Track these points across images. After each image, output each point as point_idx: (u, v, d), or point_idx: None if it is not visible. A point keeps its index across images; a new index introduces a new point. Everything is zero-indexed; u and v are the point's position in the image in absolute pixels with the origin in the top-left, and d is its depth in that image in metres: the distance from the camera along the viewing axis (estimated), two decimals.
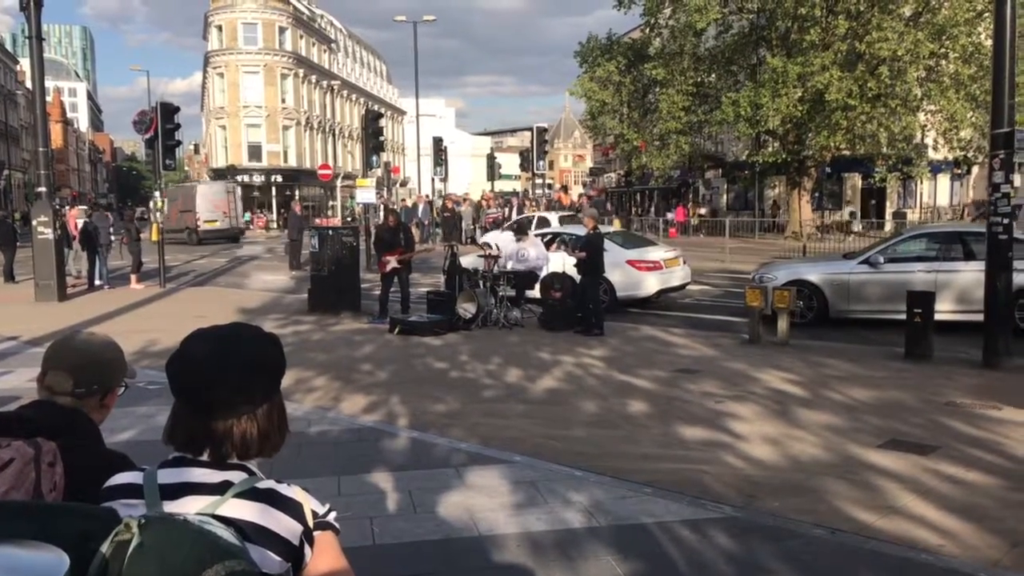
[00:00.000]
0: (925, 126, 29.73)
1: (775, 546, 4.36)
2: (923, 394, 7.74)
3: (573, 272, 12.54)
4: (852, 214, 36.41)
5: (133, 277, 18.21)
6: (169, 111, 17.93)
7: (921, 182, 37.36)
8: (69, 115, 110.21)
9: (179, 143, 18.98)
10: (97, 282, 18.18)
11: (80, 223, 19.33)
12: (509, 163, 56.14)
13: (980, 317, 9.20)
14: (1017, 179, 20.27)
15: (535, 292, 13.43)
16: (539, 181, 35.09)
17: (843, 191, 40.82)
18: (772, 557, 4.23)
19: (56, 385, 1.97)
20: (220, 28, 59.08)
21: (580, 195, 37.64)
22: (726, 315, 13.53)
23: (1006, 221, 8.84)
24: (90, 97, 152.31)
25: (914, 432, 6.51)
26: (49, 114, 20.71)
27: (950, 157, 32.26)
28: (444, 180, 37.44)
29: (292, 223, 23.64)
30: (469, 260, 14.50)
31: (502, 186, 49.60)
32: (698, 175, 48.13)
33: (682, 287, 15.00)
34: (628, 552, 4.29)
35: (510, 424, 7.02)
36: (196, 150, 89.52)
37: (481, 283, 12.74)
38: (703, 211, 44.31)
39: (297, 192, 55.23)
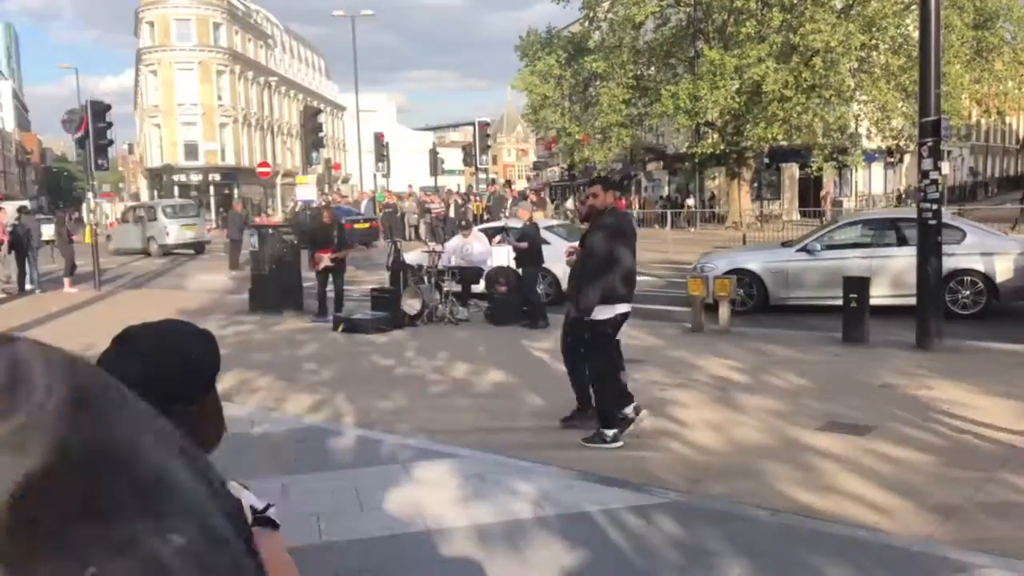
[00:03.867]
0: (858, 116, 30.50)
1: (719, 529, 4.44)
2: (859, 377, 7.95)
3: None
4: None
5: (67, 281, 17.70)
6: (100, 109, 17.44)
7: (856, 171, 38.35)
8: None
9: (111, 143, 18.47)
10: (28, 286, 17.64)
11: (8, 224, 18.70)
12: (452, 158, 56.08)
13: (913, 301, 9.47)
14: (946, 166, 20.91)
15: (480, 287, 13.43)
16: (483, 176, 35.09)
17: (781, 181, 41.65)
18: (716, 539, 4.31)
19: None
20: (152, 24, 57.73)
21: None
22: (669, 305, 13.69)
23: (935, 207, 9.11)
24: (16, 96, 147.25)
25: (851, 414, 6.68)
26: None
27: (883, 146, 33.16)
28: (387, 176, 37.18)
29: (232, 223, 23.23)
30: (413, 256, 14.43)
31: (445, 181, 49.42)
32: (640, 167, 48.63)
33: None
34: (575, 540, 4.32)
35: (457, 418, 7.01)
36: (130, 150, 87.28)
37: (426, 279, 12.68)
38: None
39: (236, 191, 54.28)
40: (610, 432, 5.93)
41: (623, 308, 6.05)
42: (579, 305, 5.92)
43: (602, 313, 5.91)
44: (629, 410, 6.26)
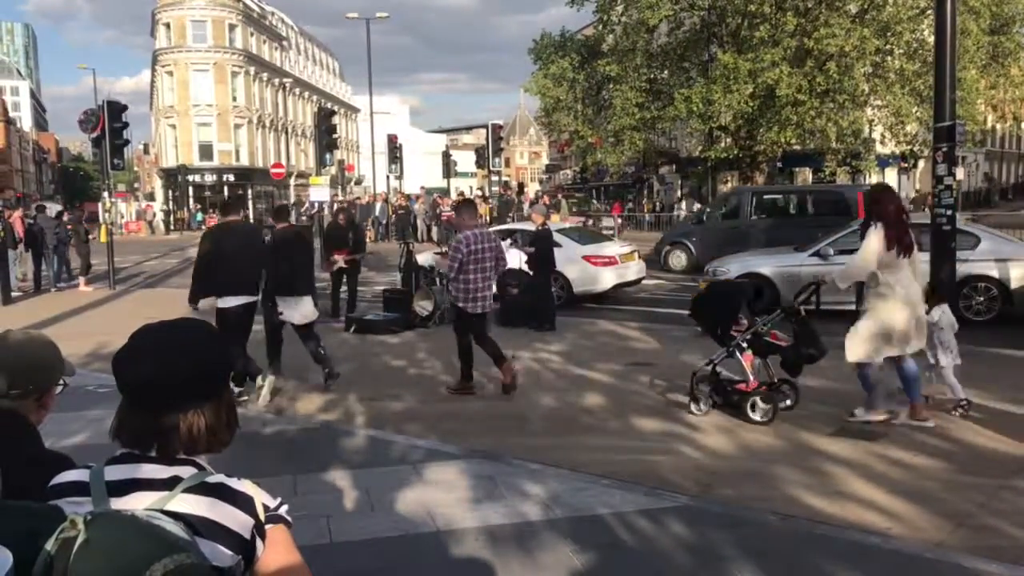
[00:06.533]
0: (872, 121, 30.34)
1: (729, 533, 4.43)
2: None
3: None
4: None
5: (81, 279, 17.83)
6: (116, 109, 17.58)
7: (869, 176, 38.14)
8: (11, 114, 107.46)
9: (127, 142, 18.63)
10: (49, 284, 17.80)
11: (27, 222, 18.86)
12: (465, 160, 56.12)
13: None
14: (960, 172, 20.78)
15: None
16: (495, 178, 35.12)
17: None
18: (727, 544, 4.31)
19: None
20: (168, 26, 58.06)
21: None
22: (680, 308, 13.65)
23: (949, 212, 9.07)
24: (33, 96, 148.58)
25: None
26: None
27: (897, 151, 32.94)
28: (400, 178, 37.26)
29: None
30: (425, 257, 14.46)
31: (458, 183, 49.49)
32: (652, 171, 48.53)
33: (637, 281, 15.12)
34: (585, 542, 4.33)
35: (468, 420, 7.03)
36: (145, 150, 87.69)
37: (437, 280, 12.71)
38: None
39: (250, 191, 54.52)
40: (238, 390, 7.52)
41: (239, 300, 7.53)
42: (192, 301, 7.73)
43: (223, 303, 7.48)
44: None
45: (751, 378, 6.72)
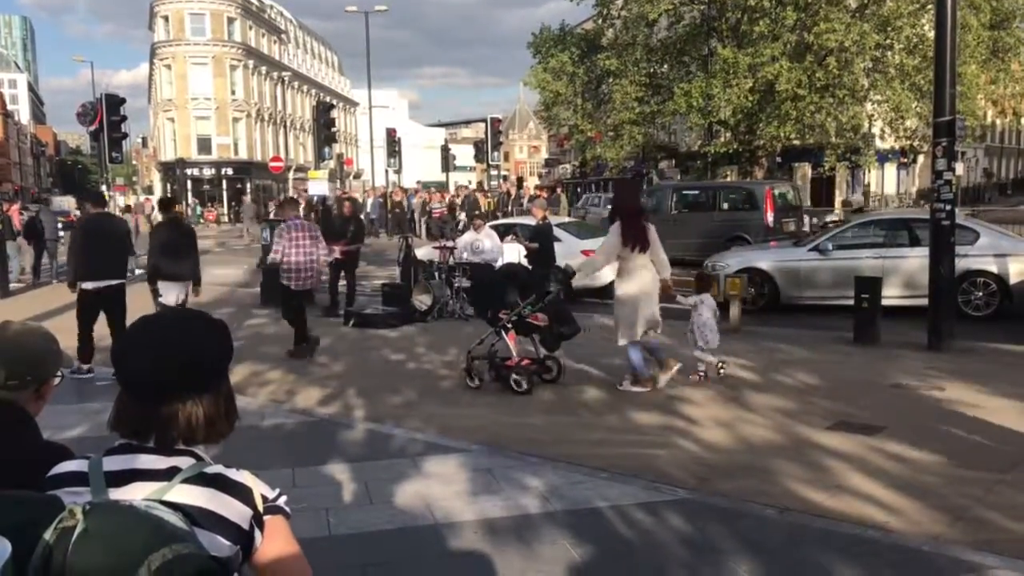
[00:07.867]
0: (872, 116, 30.29)
1: (728, 526, 4.44)
2: (870, 377, 7.92)
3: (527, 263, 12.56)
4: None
5: None
6: (114, 103, 17.55)
7: (869, 171, 38.10)
8: (9, 107, 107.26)
9: (125, 136, 18.62)
10: (50, 276, 17.78)
11: (25, 216, 18.82)
12: (464, 154, 56.06)
13: (925, 302, 9.42)
14: (960, 167, 20.76)
15: None
16: (494, 172, 35.06)
17: (793, 180, 41.45)
18: (725, 537, 4.31)
19: None
20: (166, 18, 57.98)
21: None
22: (679, 304, 13.64)
23: (949, 208, 9.06)
24: (31, 89, 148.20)
25: (862, 414, 6.66)
26: None
27: (896, 146, 32.92)
28: (398, 172, 37.20)
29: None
30: (424, 252, 14.45)
31: (457, 177, 49.44)
32: (652, 165, 48.47)
33: None
34: (583, 535, 4.33)
35: (467, 413, 7.03)
36: (144, 143, 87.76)
37: (436, 275, 12.70)
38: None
39: (248, 185, 54.44)
40: (85, 366, 8.31)
41: (90, 285, 8.50)
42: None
43: (85, 286, 8.50)
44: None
45: (514, 355, 7.68)
